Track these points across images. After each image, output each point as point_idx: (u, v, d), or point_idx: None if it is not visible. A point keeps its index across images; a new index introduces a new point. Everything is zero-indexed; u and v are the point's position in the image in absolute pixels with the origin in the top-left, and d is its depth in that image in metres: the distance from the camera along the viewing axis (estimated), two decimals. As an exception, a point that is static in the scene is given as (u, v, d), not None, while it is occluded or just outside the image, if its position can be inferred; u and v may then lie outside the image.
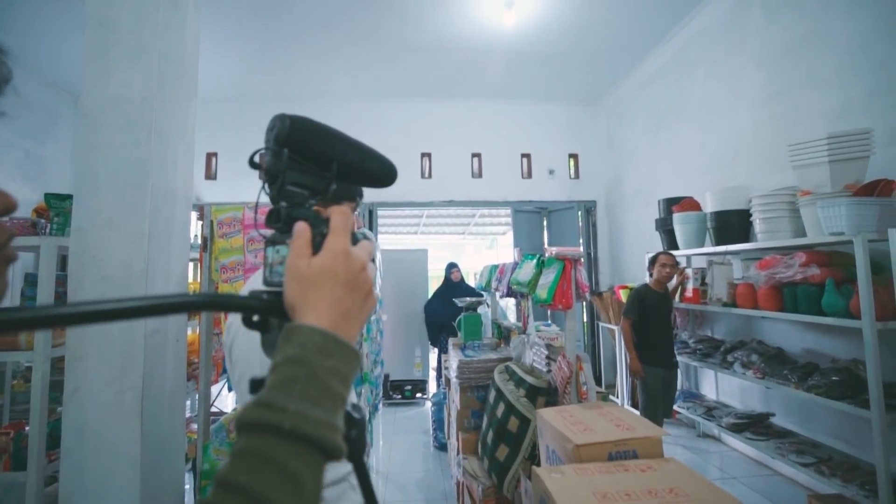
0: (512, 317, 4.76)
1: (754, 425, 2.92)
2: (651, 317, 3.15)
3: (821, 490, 2.53)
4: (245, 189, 4.84)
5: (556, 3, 3.58)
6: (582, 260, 2.17)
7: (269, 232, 0.51)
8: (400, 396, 5.08)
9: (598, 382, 4.95)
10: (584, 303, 5.24)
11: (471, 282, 5.88)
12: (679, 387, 3.60)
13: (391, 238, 9.94)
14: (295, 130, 0.49)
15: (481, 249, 12.73)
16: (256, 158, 0.52)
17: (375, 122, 5.38)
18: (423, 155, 5.42)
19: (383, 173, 0.58)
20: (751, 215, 2.84)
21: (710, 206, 3.18)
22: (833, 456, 2.46)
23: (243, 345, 0.99)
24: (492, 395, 2.47)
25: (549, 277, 2.15)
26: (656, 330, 3.16)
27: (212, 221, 1.63)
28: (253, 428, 0.33)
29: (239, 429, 0.34)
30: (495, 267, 3.64)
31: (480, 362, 2.74)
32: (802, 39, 2.86)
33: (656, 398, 3.09)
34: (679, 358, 3.36)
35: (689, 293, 3.40)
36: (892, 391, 2.02)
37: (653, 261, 3.30)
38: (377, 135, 5.37)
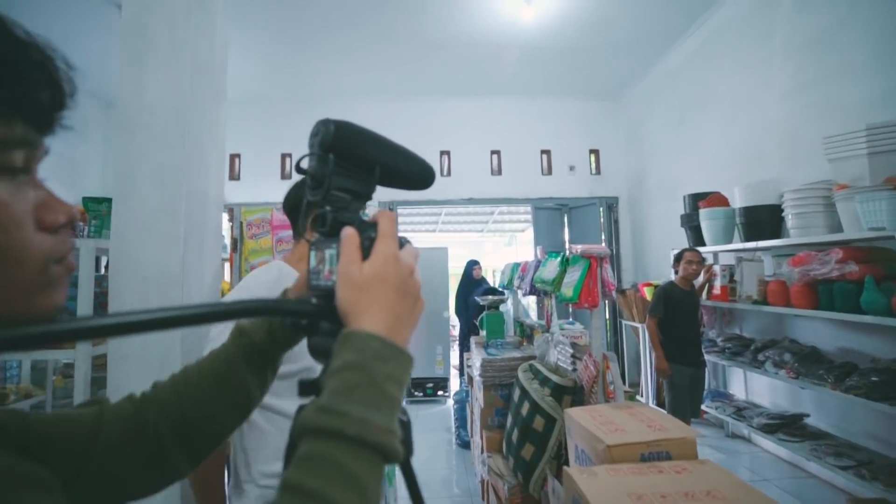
0: (533, 315, 4.75)
1: (788, 426, 2.85)
2: (677, 315, 3.10)
3: (860, 494, 2.45)
4: (268, 189, 4.92)
5: (576, -4, 3.54)
6: (608, 258, 2.15)
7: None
8: (422, 394, 5.11)
9: (623, 381, 4.89)
10: (608, 301, 5.18)
11: (490, 279, 5.87)
12: (707, 386, 3.53)
13: (410, 237, 10.00)
14: (340, 135, 0.50)
15: (500, 247, 12.70)
16: (304, 164, 0.52)
17: (393, 120, 5.40)
18: (441, 153, 5.43)
19: (423, 176, 0.58)
20: (782, 210, 2.76)
21: (738, 200, 3.10)
22: (874, 459, 2.38)
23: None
24: (516, 393, 2.46)
25: (574, 276, 2.13)
26: (683, 328, 3.10)
27: (241, 223, 1.67)
28: (319, 433, 0.34)
29: (303, 433, 0.35)
30: (517, 265, 3.63)
31: (504, 361, 2.74)
32: (834, 28, 2.76)
33: (684, 398, 3.03)
34: (707, 357, 3.29)
35: (716, 290, 3.33)
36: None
37: (678, 258, 3.24)
38: (395, 133, 5.14)
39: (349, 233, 0.46)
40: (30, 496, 0.30)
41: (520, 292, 3.83)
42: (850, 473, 2.30)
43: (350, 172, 0.52)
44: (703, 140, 4.07)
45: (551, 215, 5.67)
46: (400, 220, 6.18)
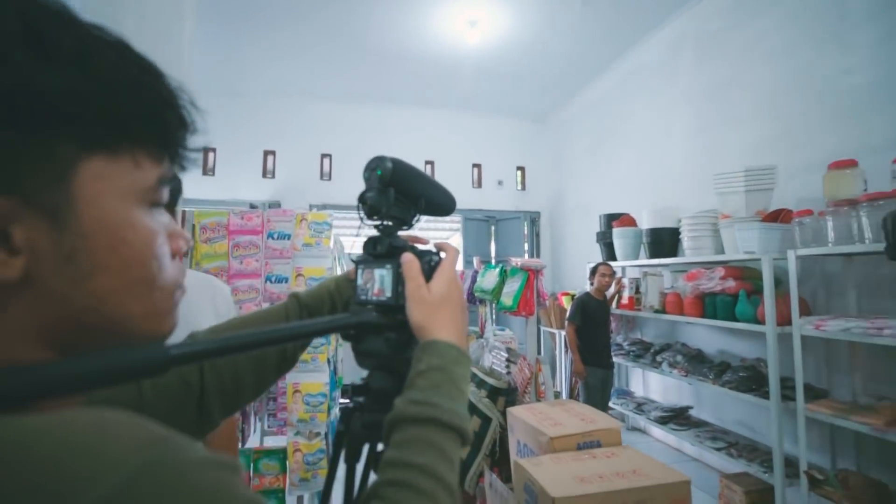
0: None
1: (677, 417, 3.31)
2: (592, 322, 3.46)
3: (730, 470, 2.94)
4: (222, 185, 4.61)
5: (517, 26, 3.81)
6: (543, 270, 2.38)
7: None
8: (348, 400, 5.06)
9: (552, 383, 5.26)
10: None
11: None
12: (614, 385, 3.96)
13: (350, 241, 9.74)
14: (396, 171, 0.58)
15: (424, 252, 12.85)
16: (366, 199, 0.60)
17: (332, 123, 5.34)
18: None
19: (450, 204, 0.68)
20: (680, 233, 3.23)
21: (645, 222, 3.55)
22: (739, 441, 2.88)
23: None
24: (453, 395, 2.57)
25: (513, 286, 2.33)
26: (596, 334, 3.47)
27: (193, 226, 1.61)
28: (417, 420, 0.43)
29: (402, 421, 0.43)
30: (452, 273, 3.78)
31: (441, 364, 2.84)
32: (724, 83, 3.30)
33: (596, 396, 3.39)
34: (615, 359, 3.71)
35: (624, 300, 3.77)
36: (787, 384, 2.42)
37: (593, 271, 3.62)
38: (334, 135, 5.34)
39: (410, 258, 0.54)
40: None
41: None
42: (722, 454, 2.76)
43: (399, 203, 0.60)
44: (617, 166, 4.57)
45: (479, 226, 5.95)
46: (335, 223, 6.07)
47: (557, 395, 4.51)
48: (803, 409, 2.19)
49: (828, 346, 2.45)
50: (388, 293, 0.54)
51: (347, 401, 0.64)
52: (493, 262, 5.14)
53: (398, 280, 0.54)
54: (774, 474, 2.34)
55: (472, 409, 2.37)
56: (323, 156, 5.32)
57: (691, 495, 1.15)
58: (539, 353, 5.59)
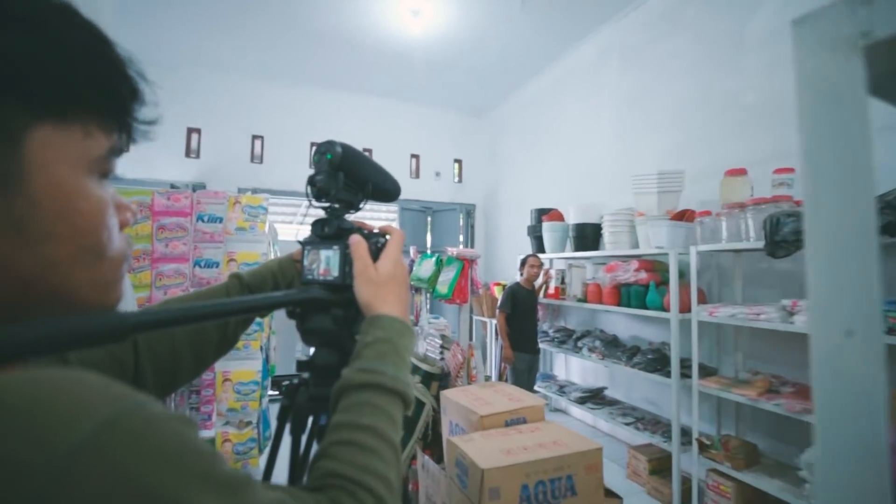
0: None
1: (593, 397, 3.62)
2: (521, 311, 3.66)
3: (637, 442, 3.28)
4: (139, 163, 4.19)
5: (459, 19, 3.86)
6: (477, 260, 2.48)
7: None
8: (277, 392, 4.92)
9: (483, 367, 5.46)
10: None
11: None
12: (539, 369, 4.22)
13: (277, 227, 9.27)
14: (346, 157, 0.61)
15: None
16: (315, 182, 0.62)
17: (265, 103, 5.08)
18: (312, 144, 5.29)
19: (395, 191, 0.72)
20: (601, 228, 3.49)
21: (571, 217, 3.80)
22: (645, 416, 3.21)
23: None
24: (388, 381, 2.62)
25: (449, 275, 2.41)
26: (525, 322, 3.67)
27: (113, 205, 1.48)
28: (364, 386, 0.46)
29: (350, 388, 0.46)
30: (388, 261, 3.79)
31: (377, 352, 2.88)
32: (644, 92, 3.60)
33: (523, 379, 3.60)
34: (541, 345, 3.95)
35: (551, 290, 4.02)
36: (686, 364, 2.73)
37: (523, 262, 3.82)
38: (267, 118, 5.08)
39: (358, 240, 0.57)
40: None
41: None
42: (631, 428, 3.06)
43: (348, 187, 0.63)
44: (548, 163, 4.81)
45: (416, 216, 5.98)
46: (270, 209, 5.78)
47: (488, 378, 4.71)
48: (697, 386, 2.50)
49: (719, 329, 2.80)
50: (335, 272, 0.57)
51: (277, 392, 0.66)
52: (430, 251, 5.22)
53: (345, 260, 0.57)
54: (672, 443, 2.65)
55: (407, 394, 2.44)
56: (254, 137, 5.05)
57: (602, 462, 1.29)
58: (471, 339, 5.78)
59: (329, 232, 0.61)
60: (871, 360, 0.27)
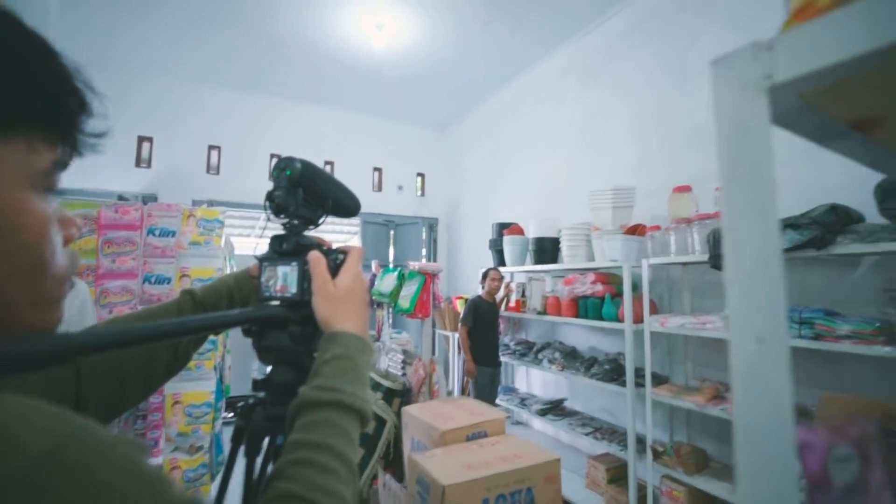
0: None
1: (553, 409, 3.68)
2: (482, 324, 3.69)
3: (595, 452, 3.35)
4: (83, 172, 3.91)
5: (423, 34, 3.93)
6: (439, 274, 2.49)
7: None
8: (232, 414, 4.71)
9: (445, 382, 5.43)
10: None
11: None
12: (501, 382, 4.25)
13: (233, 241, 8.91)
14: (305, 173, 0.61)
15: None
16: (274, 198, 0.61)
17: (223, 112, 4.94)
18: (272, 155, 5.19)
19: (355, 207, 0.73)
20: (560, 242, 3.60)
21: (531, 231, 3.89)
22: (603, 426, 3.30)
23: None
24: (349, 398, 2.57)
25: (411, 289, 2.41)
26: (486, 335, 3.71)
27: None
28: (322, 404, 0.47)
29: (307, 405, 0.46)
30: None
31: (337, 368, 2.83)
32: (601, 111, 3.77)
33: (484, 393, 3.62)
34: (502, 358, 3.98)
35: (512, 304, 4.08)
36: (640, 373, 2.84)
37: (485, 275, 3.87)
38: (225, 127, 4.94)
39: (317, 256, 0.58)
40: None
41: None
42: (590, 438, 3.13)
43: (307, 203, 0.63)
44: (508, 178, 4.93)
45: (378, 230, 5.96)
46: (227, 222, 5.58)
47: (450, 393, 4.70)
48: (650, 394, 2.60)
49: (669, 339, 2.94)
50: (294, 289, 0.57)
51: (231, 414, 0.65)
52: (392, 265, 5.19)
53: (304, 276, 0.57)
54: (628, 451, 2.73)
55: (368, 410, 2.40)
56: (210, 147, 4.90)
57: (560, 472, 1.31)
58: (433, 353, 5.78)
59: (287, 248, 0.61)
60: (780, 364, 0.30)
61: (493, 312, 3.80)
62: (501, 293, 4.04)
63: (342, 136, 5.58)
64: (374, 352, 0.56)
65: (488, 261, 4.53)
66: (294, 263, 0.57)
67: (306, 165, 0.63)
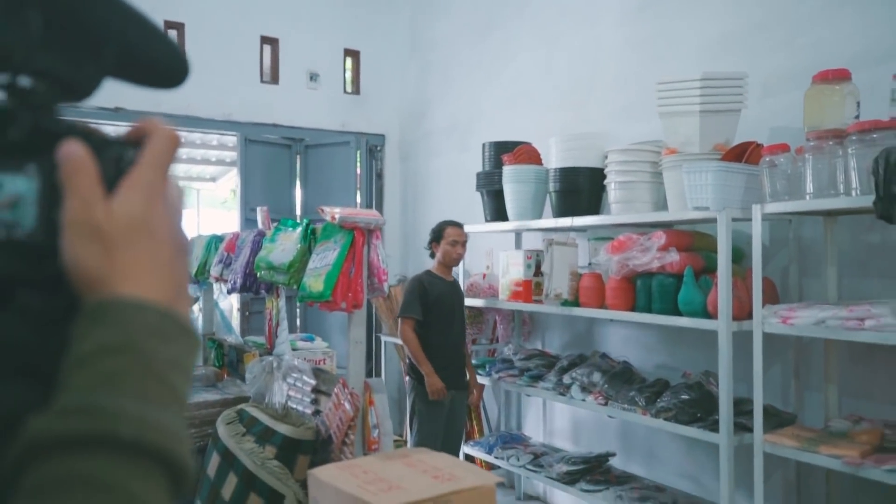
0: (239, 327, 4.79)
1: (592, 471, 3.71)
2: (437, 315, 3.73)
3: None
4: None
5: None
6: (379, 230, 2.41)
7: None
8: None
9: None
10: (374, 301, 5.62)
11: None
12: (485, 422, 4.26)
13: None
14: None
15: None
16: None
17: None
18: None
19: (170, 64, 0.64)
20: (605, 177, 3.54)
21: (554, 158, 3.82)
22: (679, 499, 3.35)
23: None
24: (213, 461, 2.55)
25: (327, 257, 2.32)
26: (441, 334, 3.74)
27: None
28: (71, 446, 0.38)
29: (40, 451, 0.38)
30: (219, 239, 3.64)
31: (191, 407, 2.78)
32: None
33: (435, 431, 3.62)
34: (503, 381, 3.99)
35: (518, 286, 4.05)
36: (744, 408, 2.85)
37: (437, 235, 3.87)
38: None
39: (76, 152, 0.50)
40: None
41: (221, 289, 3.84)
42: (656, 523, 3.19)
43: (64, 48, 0.55)
44: (513, 64, 4.83)
45: (273, 154, 5.89)
46: None
47: (400, 443, 4.71)
48: (763, 444, 2.62)
49: (799, 346, 2.97)
50: (29, 221, 0.52)
51: None
52: (296, 217, 5.11)
53: (51, 195, 0.51)
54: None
55: (249, 481, 2.36)
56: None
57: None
58: (372, 374, 5.81)
59: (15, 137, 0.53)
60: None
61: (452, 296, 3.85)
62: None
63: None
64: (195, 342, 0.50)
65: (476, 210, 4.47)
66: (31, 169, 0.52)
67: None
